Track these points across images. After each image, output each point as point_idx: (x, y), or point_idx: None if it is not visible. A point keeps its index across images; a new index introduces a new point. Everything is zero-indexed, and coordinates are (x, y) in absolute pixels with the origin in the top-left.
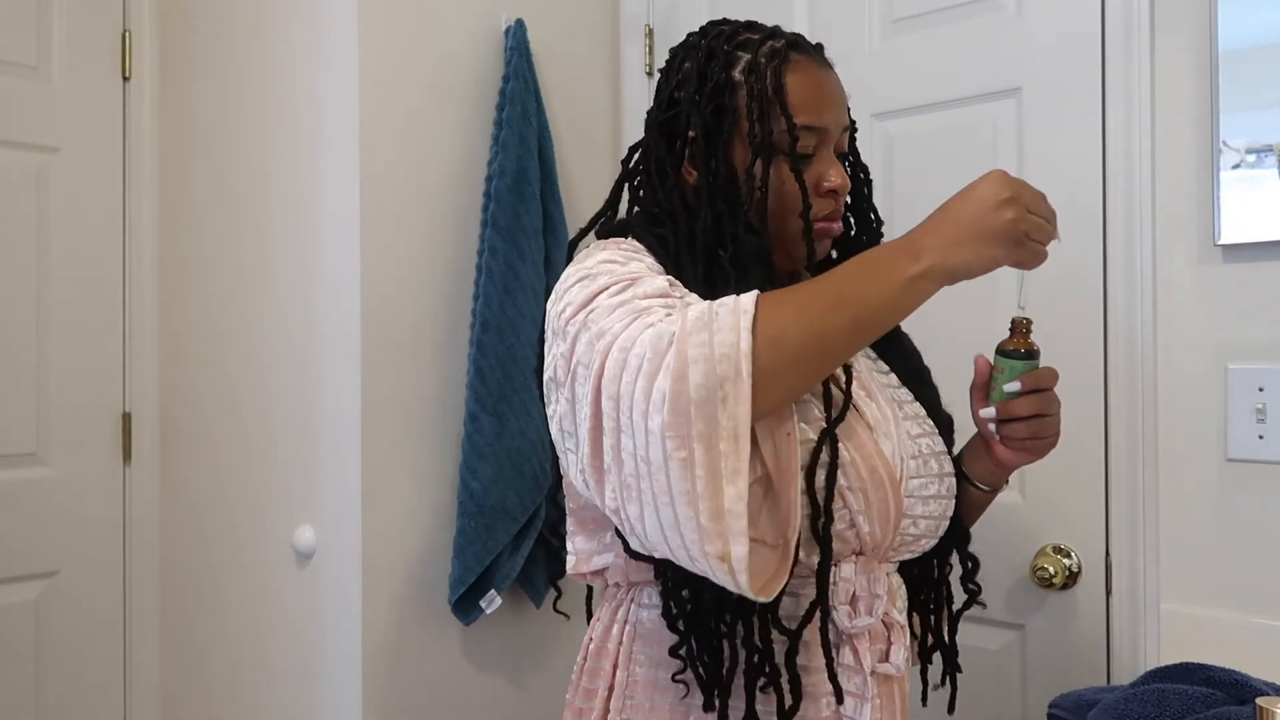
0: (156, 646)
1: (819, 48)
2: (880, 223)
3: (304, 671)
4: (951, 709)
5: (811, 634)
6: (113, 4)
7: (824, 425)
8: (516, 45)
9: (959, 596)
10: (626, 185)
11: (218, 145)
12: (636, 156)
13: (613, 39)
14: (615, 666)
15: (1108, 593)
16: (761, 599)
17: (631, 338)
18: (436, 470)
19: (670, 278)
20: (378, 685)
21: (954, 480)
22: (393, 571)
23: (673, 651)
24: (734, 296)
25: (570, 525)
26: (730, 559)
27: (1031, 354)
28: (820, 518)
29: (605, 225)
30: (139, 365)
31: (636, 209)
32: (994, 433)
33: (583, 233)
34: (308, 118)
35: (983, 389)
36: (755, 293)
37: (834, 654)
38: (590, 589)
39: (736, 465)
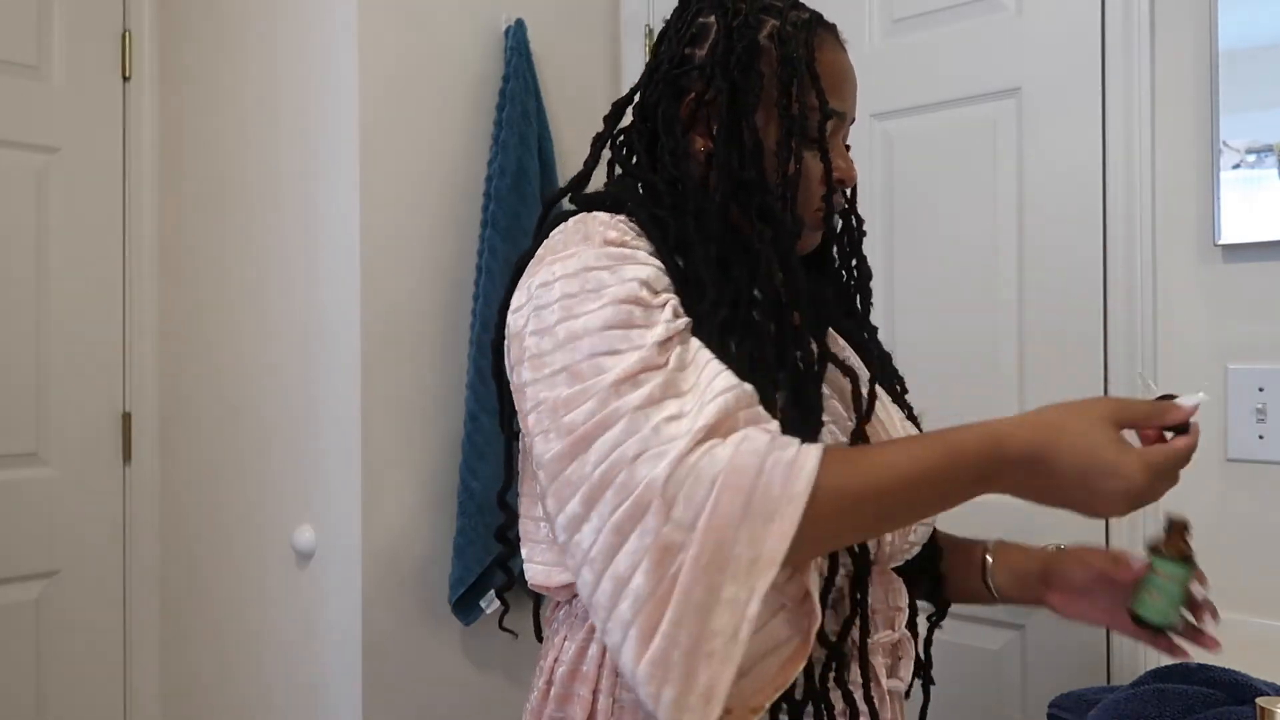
0: (156, 646)
1: (835, 27)
2: (861, 221)
3: (304, 671)
4: (923, 717)
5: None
6: (113, 4)
7: (852, 426)
8: (516, 45)
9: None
10: (609, 144)
11: (218, 145)
12: (629, 113)
13: (613, 39)
14: (596, 692)
15: None
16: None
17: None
18: (436, 470)
19: (673, 316)
20: (378, 685)
21: None
22: (393, 571)
23: None
24: (789, 471)
25: (542, 532)
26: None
27: (1190, 559)
28: None
29: (586, 190)
30: (139, 365)
31: (620, 173)
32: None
33: (560, 193)
34: (308, 118)
35: (1126, 584)
36: (812, 482)
37: (868, 672)
38: (536, 600)
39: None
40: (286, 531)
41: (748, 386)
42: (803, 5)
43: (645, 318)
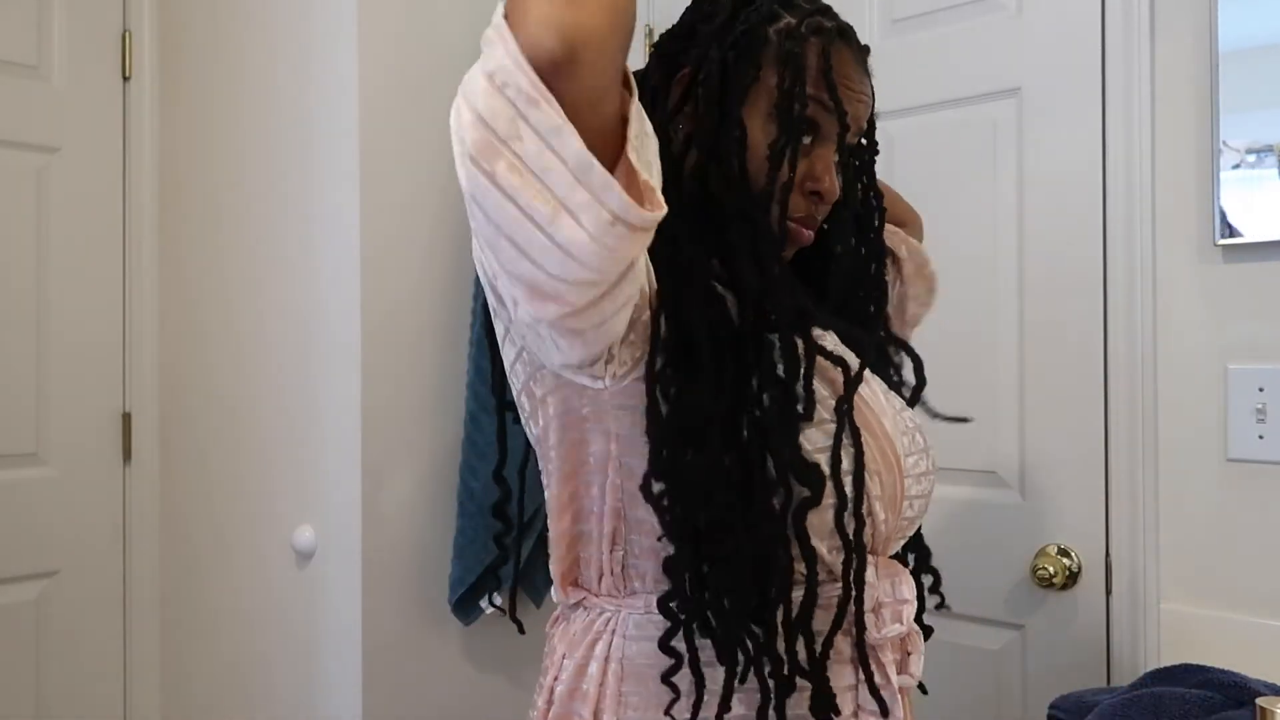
0: (156, 646)
1: (865, 49)
2: (881, 196)
3: (304, 671)
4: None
5: (838, 647)
6: (113, 4)
7: (833, 401)
8: None
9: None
10: None
11: (218, 145)
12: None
13: None
14: (597, 712)
15: (1108, 593)
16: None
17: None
18: (436, 470)
19: None
20: (378, 685)
21: (934, 455)
22: (393, 571)
23: (665, 678)
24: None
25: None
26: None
27: None
28: (845, 509)
29: None
30: (139, 365)
31: None
32: None
33: None
34: (308, 118)
35: None
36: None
37: (870, 667)
38: (514, 603)
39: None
40: (286, 531)
41: None
42: (834, 16)
43: None
